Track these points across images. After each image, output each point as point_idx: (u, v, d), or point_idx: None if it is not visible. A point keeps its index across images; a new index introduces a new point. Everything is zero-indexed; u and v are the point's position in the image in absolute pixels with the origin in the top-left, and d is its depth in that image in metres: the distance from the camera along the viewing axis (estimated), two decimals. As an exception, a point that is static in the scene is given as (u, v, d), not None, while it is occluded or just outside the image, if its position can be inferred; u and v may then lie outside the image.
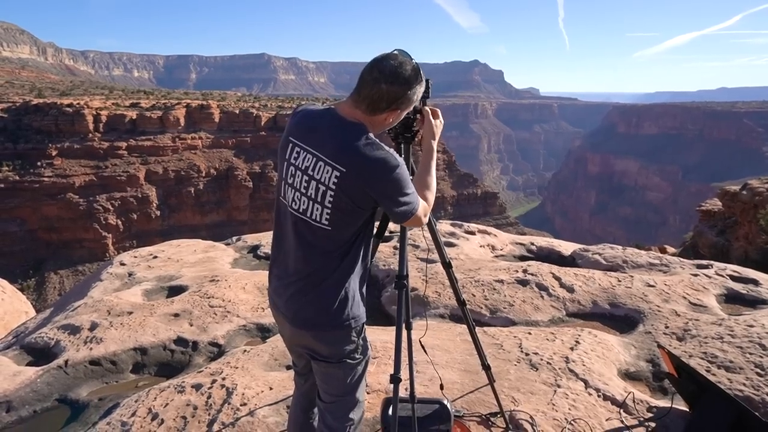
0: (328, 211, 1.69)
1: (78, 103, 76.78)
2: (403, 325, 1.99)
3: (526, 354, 3.32)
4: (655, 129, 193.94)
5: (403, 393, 2.09)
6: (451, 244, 6.27)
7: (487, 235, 6.97)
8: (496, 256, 6.33)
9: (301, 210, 1.74)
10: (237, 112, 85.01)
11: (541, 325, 4.14)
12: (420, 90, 1.75)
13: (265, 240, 6.94)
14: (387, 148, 1.69)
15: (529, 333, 3.73)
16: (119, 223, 70.86)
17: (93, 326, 4.04)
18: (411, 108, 1.79)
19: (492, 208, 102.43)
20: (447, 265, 2.23)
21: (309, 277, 1.77)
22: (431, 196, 1.86)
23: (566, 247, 6.53)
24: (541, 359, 3.23)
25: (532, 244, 6.71)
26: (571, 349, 3.38)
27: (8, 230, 67.28)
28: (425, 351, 2.73)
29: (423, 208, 1.79)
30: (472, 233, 6.91)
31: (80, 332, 3.98)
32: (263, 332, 4.14)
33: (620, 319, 4.21)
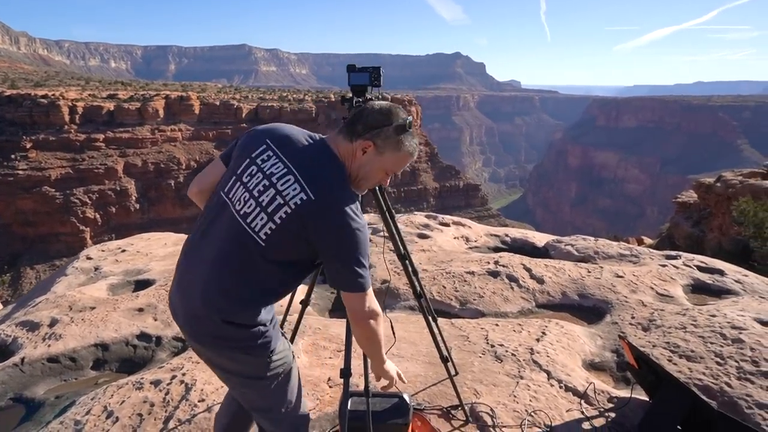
0: (273, 227, 1.52)
1: (53, 95, 74.93)
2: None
3: (492, 346, 3.31)
4: (634, 122, 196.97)
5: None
6: (424, 236, 6.24)
7: (462, 226, 6.97)
8: (470, 248, 6.33)
9: (242, 213, 1.56)
10: (217, 103, 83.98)
11: (510, 317, 4.14)
12: (407, 142, 1.62)
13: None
14: (358, 204, 1.56)
15: (497, 325, 3.73)
16: (97, 216, 69.63)
17: (53, 322, 3.92)
18: (388, 156, 1.61)
19: (474, 200, 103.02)
20: (402, 257, 2.19)
21: (213, 290, 1.60)
22: (377, 336, 1.65)
23: (540, 239, 6.56)
24: (506, 351, 3.22)
25: (507, 235, 6.73)
26: (537, 340, 3.38)
27: (-19, 225, 65.73)
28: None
29: (373, 300, 1.58)
30: (446, 225, 6.90)
31: (39, 329, 3.86)
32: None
33: (588, 309, 4.23)
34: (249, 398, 1.76)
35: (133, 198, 72.94)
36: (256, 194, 1.55)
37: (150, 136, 76.40)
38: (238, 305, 1.57)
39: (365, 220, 1.57)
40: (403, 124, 1.60)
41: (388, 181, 1.73)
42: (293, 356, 1.79)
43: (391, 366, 1.88)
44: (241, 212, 1.56)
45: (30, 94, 75.18)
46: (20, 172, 67.37)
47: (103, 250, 6.12)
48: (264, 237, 1.53)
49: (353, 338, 1.81)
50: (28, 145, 69.79)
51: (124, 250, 6.08)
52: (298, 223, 1.50)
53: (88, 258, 5.83)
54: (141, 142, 75.50)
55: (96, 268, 5.46)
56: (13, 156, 68.68)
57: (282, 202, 1.51)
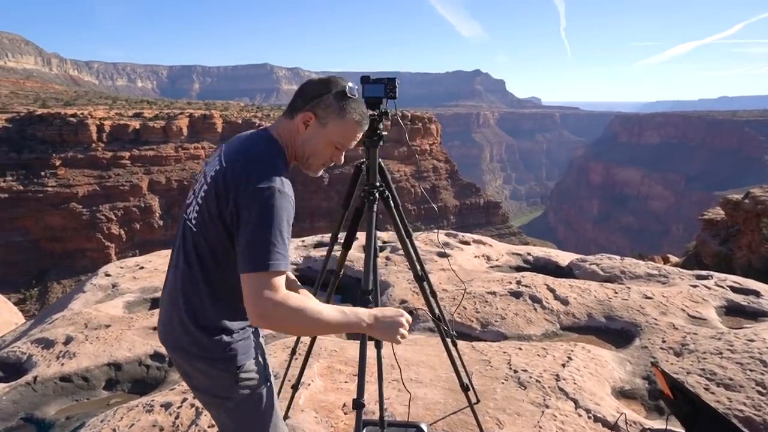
0: (197, 207, 1.48)
1: (82, 113, 77.16)
2: (371, 344, 1.84)
3: (515, 371, 3.15)
4: (657, 138, 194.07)
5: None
6: (444, 255, 6.11)
7: (483, 245, 6.82)
8: (492, 267, 6.18)
9: (188, 211, 1.54)
10: (240, 121, 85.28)
11: (533, 340, 3.98)
12: (351, 109, 1.50)
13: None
14: (283, 177, 1.40)
15: (520, 348, 3.57)
16: (122, 232, 70.91)
17: (68, 340, 3.89)
18: (332, 127, 1.50)
19: (494, 218, 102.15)
20: (420, 279, 2.08)
21: (175, 293, 1.54)
22: (302, 319, 1.33)
23: (563, 258, 6.38)
24: (530, 377, 3.07)
25: (529, 254, 6.56)
26: (563, 365, 3.22)
27: (12, 240, 67.37)
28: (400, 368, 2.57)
29: (279, 284, 1.32)
30: (467, 243, 6.76)
31: (54, 346, 3.83)
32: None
33: (616, 332, 4.05)
34: (221, 422, 1.62)
35: (157, 215, 74.18)
36: (196, 192, 1.53)
37: (174, 154, 77.89)
38: (191, 308, 1.49)
39: (288, 192, 1.39)
40: (343, 89, 1.50)
41: (342, 157, 1.58)
42: (269, 382, 1.62)
43: (380, 319, 1.45)
44: (189, 216, 1.53)
45: (60, 113, 77.56)
46: (49, 189, 69.20)
47: (121, 267, 6.13)
48: (194, 221, 1.48)
49: (365, 360, 1.69)
50: (58, 163, 71.79)
51: (142, 267, 6.08)
52: (213, 195, 1.43)
53: (107, 275, 5.83)
54: (165, 160, 77.00)
55: (114, 285, 5.45)
56: (43, 173, 70.68)
57: (203, 182, 1.49)
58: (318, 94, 1.50)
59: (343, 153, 1.59)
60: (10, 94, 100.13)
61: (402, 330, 1.46)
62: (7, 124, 76.21)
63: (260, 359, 1.61)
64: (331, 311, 1.38)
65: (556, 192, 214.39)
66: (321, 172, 1.61)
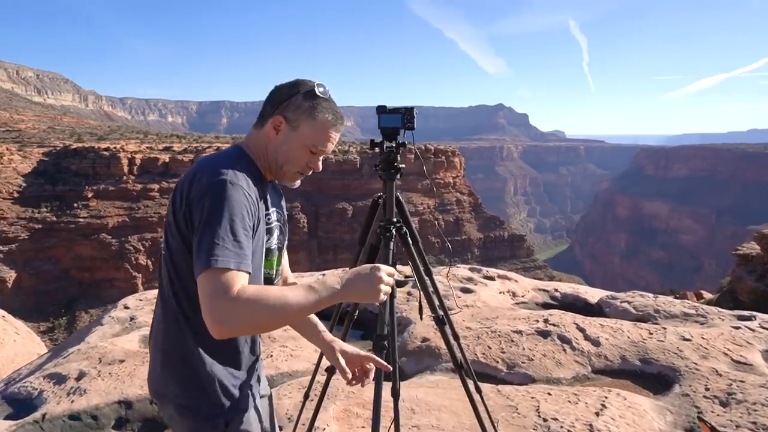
0: (165, 228, 1.37)
1: (114, 147, 79.87)
2: (387, 385, 1.68)
3: (544, 420, 2.93)
4: (685, 171, 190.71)
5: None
6: (467, 290, 5.92)
7: (508, 280, 6.60)
8: (517, 303, 5.95)
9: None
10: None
11: (563, 383, 3.74)
12: (322, 108, 1.37)
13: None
14: (236, 170, 1.27)
15: (549, 393, 3.34)
16: (149, 263, 71.99)
17: (80, 375, 3.80)
18: (304, 129, 1.37)
19: (519, 251, 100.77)
20: (440, 322, 1.93)
21: (155, 333, 1.42)
22: (264, 309, 1.15)
23: (593, 294, 6.12)
24: (561, 426, 2.84)
25: (556, 290, 6.31)
26: (597, 414, 2.99)
27: (43, 269, 69.11)
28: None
29: (231, 283, 1.14)
30: (491, 278, 6.54)
31: (66, 382, 3.74)
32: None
33: (653, 377, 3.78)
34: None
35: (183, 246, 75.29)
36: None
37: (201, 186, 79.50)
38: (165, 346, 1.37)
39: (242, 183, 1.26)
40: (312, 89, 1.39)
41: (320, 163, 1.44)
42: None
43: (352, 279, 1.25)
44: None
45: (94, 147, 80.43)
46: (81, 219, 71.16)
47: (140, 300, 6.08)
48: (162, 244, 1.38)
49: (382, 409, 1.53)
50: (90, 195, 74.03)
51: (161, 300, 6.01)
52: (170, 205, 1.34)
53: (125, 307, 5.79)
54: (193, 192, 78.59)
55: (131, 318, 5.38)
56: (75, 204, 72.90)
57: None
58: (287, 96, 1.39)
59: (321, 158, 1.45)
60: (48, 129, 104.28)
61: (383, 286, 1.26)
62: (44, 158, 79.31)
63: (254, 416, 1.43)
64: (298, 291, 1.19)
65: (582, 225, 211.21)
66: (298, 182, 1.48)
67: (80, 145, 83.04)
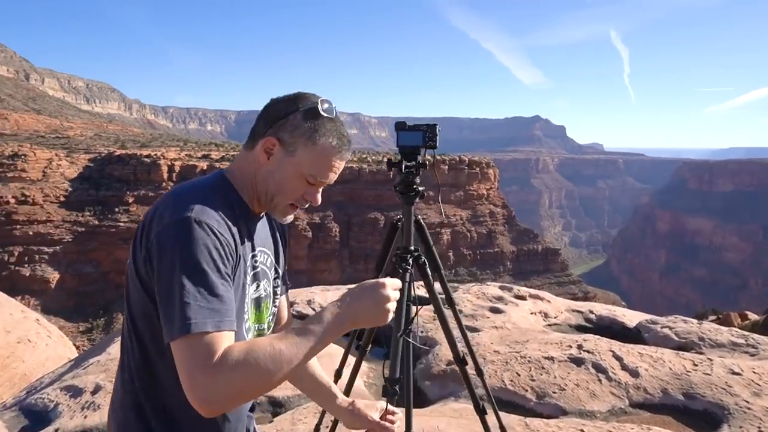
0: (126, 279, 1.16)
1: (155, 154, 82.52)
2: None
3: (576, 461, 2.69)
4: (730, 186, 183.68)
5: None
6: (497, 310, 5.67)
7: (540, 300, 6.30)
8: (549, 325, 5.66)
9: None
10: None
11: (597, 417, 3.47)
12: (325, 131, 1.13)
13: (318, 296, 6.36)
14: (204, 206, 1.05)
15: (582, 430, 3.09)
16: (184, 269, 73.66)
17: (96, 389, 3.75)
18: (301, 154, 1.13)
19: (553, 265, 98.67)
20: (461, 362, 1.73)
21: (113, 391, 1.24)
22: (257, 369, 0.95)
23: (630, 317, 5.77)
24: (595, 470, 2.60)
25: (591, 312, 5.99)
26: (635, 456, 2.73)
27: (84, 271, 71.76)
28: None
29: (212, 348, 0.94)
30: (522, 298, 6.27)
31: (81, 395, 3.69)
32: (275, 407, 3.71)
33: (698, 415, 3.47)
34: None
35: (217, 252, 76.86)
36: None
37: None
38: (118, 417, 1.18)
39: (210, 220, 1.03)
40: (315, 106, 1.13)
41: (318, 196, 1.19)
42: None
43: (355, 304, 1.07)
44: None
45: (136, 154, 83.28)
46: (121, 224, 73.60)
47: (165, 309, 6.06)
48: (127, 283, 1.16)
49: None
50: (131, 200, 76.54)
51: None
52: (131, 247, 1.12)
53: (150, 317, 5.77)
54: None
55: (154, 329, 5.36)
56: (116, 209, 75.56)
57: None
58: (283, 114, 1.13)
59: (320, 190, 1.20)
60: (95, 136, 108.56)
61: (390, 305, 1.08)
62: (89, 164, 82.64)
63: None
64: (291, 338, 0.99)
65: (619, 240, 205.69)
66: (291, 218, 1.23)
67: (123, 151, 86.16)
